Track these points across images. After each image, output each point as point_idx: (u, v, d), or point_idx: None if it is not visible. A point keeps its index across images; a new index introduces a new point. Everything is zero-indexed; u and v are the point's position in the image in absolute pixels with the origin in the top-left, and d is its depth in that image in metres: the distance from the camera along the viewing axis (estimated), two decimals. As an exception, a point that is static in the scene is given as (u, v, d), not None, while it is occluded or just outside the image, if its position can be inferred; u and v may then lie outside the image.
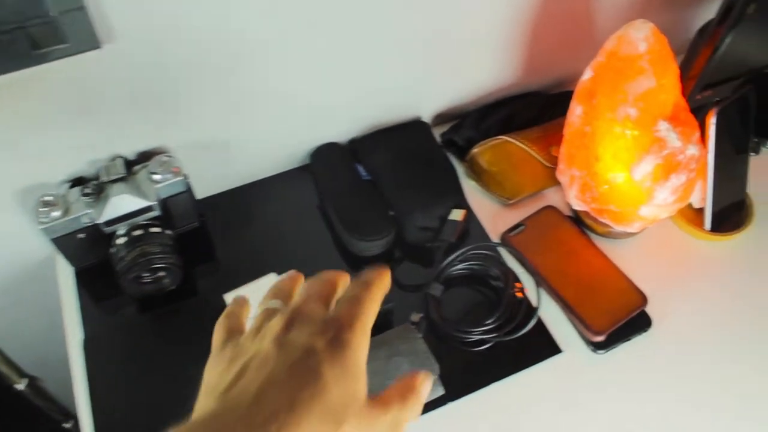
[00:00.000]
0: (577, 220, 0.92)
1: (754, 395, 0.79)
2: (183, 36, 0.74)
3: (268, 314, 0.44)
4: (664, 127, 0.76)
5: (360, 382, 0.40)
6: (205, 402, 0.39)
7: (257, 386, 0.37)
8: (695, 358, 0.82)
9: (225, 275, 0.88)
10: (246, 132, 0.89)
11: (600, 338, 0.80)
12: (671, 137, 0.76)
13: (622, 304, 0.82)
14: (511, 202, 0.92)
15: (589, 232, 0.91)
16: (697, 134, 0.79)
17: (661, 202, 0.81)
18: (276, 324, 0.41)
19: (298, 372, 0.38)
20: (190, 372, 0.43)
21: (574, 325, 0.82)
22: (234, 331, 0.45)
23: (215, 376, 0.40)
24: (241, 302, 0.50)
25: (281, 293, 0.47)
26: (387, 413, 0.40)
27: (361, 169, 0.92)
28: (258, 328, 0.43)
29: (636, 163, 0.79)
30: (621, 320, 0.81)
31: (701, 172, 0.85)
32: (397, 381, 0.43)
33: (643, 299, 0.82)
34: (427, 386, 0.44)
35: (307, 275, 0.82)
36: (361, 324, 0.41)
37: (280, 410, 0.36)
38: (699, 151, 0.79)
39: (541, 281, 0.84)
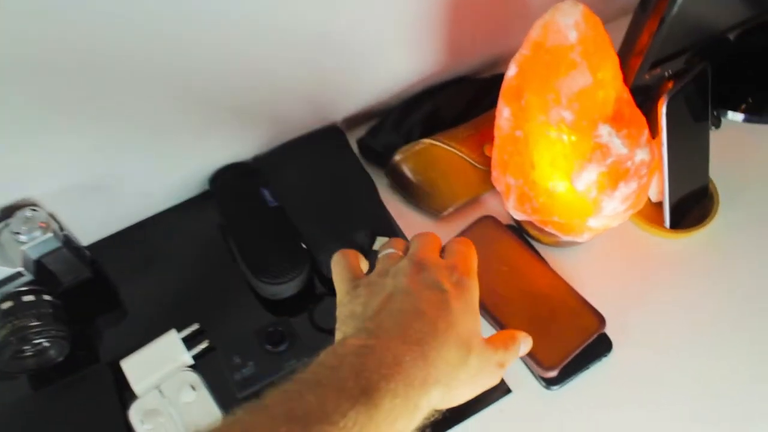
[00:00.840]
0: (520, 229, 0.80)
1: (731, 416, 0.70)
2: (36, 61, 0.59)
3: (389, 258, 0.52)
4: (605, 132, 0.64)
5: (478, 320, 0.49)
6: (352, 324, 0.47)
7: (404, 313, 0.46)
8: (662, 379, 0.72)
9: (124, 331, 0.77)
10: (130, 164, 0.76)
11: (552, 373, 0.70)
12: (615, 143, 0.64)
13: (576, 330, 0.71)
14: (444, 214, 0.80)
15: (534, 242, 0.80)
16: (646, 133, 0.67)
17: (610, 213, 0.69)
18: (406, 266, 0.49)
19: (434, 304, 0.46)
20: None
21: (523, 360, 0.72)
22: (358, 274, 0.52)
23: (359, 305, 0.48)
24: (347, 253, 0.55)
25: (395, 244, 0.54)
26: (496, 352, 0.49)
27: (267, 194, 0.79)
28: (385, 270, 0.50)
29: (577, 172, 0.67)
30: (576, 349, 0.70)
31: (656, 165, 0.74)
32: (499, 332, 0.52)
33: (601, 322, 0.71)
34: (526, 343, 0.53)
35: (218, 324, 0.72)
36: (474, 272, 0.51)
37: (426, 334, 0.44)
38: (650, 155, 0.66)
39: (481, 311, 0.72)
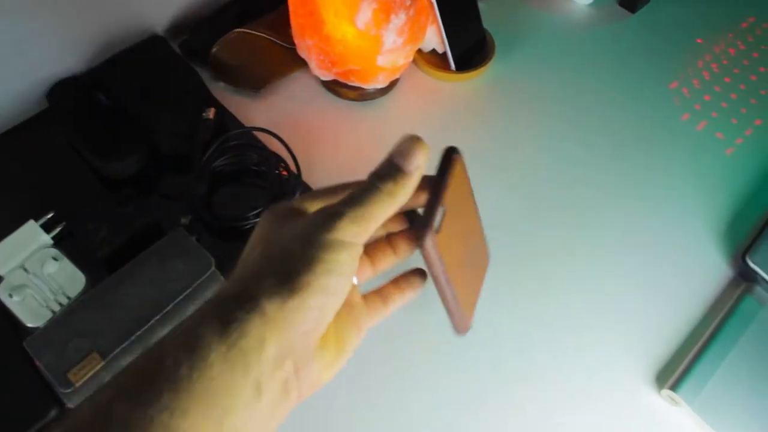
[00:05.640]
0: (330, 91, 0.93)
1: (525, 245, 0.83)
2: None
3: None
4: (366, -30, 0.77)
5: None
6: None
7: None
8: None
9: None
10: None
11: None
12: (376, -22, 0.77)
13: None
14: (262, 91, 0.91)
15: (341, 100, 0.92)
16: (402, -29, 0.81)
17: (392, 46, 0.82)
18: None
19: None
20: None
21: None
22: None
23: None
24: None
25: None
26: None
27: (102, 98, 0.88)
28: None
29: (356, 14, 0.79)
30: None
31: (428, 15, 0.88)
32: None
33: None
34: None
35: (70, 212, 0.78)
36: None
37: None
38: (408, -14, 0.80)
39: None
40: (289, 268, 0.36)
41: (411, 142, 0.39)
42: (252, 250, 0.39)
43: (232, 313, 0.34)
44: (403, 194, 0.38)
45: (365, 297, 0.45)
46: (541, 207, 0.84)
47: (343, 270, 0.36)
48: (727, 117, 0.94)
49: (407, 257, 0.45)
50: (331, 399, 0.69)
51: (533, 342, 0.73)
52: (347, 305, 0.42)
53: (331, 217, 0.37)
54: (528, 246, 0.81)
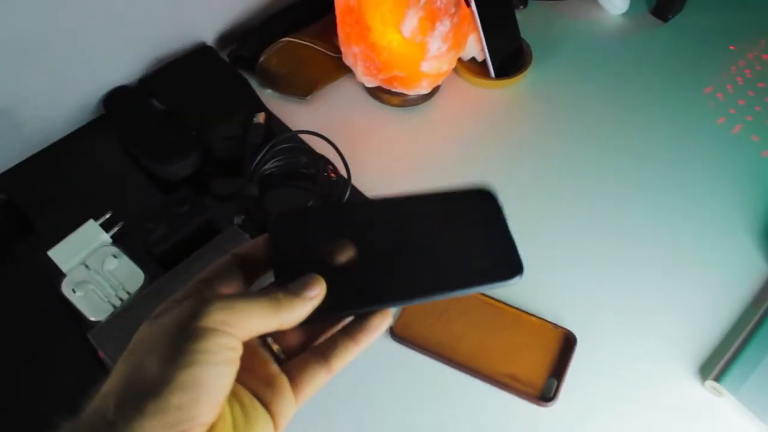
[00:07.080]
0: (374, 97, 0.96)
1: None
2: None
3: None
4: (413, -21, 0.81)
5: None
6: None
7: None
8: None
9: (46, 238, 0.86)
10: (20, 93, 0.86)
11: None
12: (423, -14, 0.81)
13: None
14: (308, 97, 0.95)
15: (385, 106, 0.95)
16: (448, -21, 0.84)
17: (436, 53, 0.85)
18: None
19: None
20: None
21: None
22: None
23: None
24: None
25: None
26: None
27: (156, 103, 0.92)
28: None
29: (402, 22, 0.83)
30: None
31: (469, 23, 0.91)
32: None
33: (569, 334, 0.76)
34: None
35: (126, 212, 0.82)
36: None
37: None
38: (453, -6, 0.84)
39: (453, 363, 0.74)
40: (147, 365, 0.33)
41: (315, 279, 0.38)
42: (127, 354, 0.35)
43: None
44: (287, 310, 0.36)
45: (296, 361, 0.40)
46: (578, 211, 0.86)
47: (213, 359, 0.33)
48: (762, 120, 0.96)
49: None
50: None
51: (578, 334, 0.75)
52: (250, 383, 0.38)
53: (200, 303, 0.34)
54: (566, 248, 0.83)
